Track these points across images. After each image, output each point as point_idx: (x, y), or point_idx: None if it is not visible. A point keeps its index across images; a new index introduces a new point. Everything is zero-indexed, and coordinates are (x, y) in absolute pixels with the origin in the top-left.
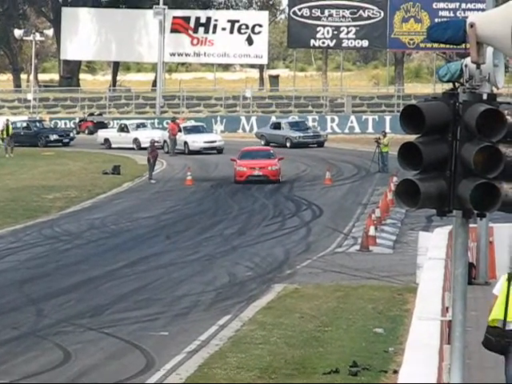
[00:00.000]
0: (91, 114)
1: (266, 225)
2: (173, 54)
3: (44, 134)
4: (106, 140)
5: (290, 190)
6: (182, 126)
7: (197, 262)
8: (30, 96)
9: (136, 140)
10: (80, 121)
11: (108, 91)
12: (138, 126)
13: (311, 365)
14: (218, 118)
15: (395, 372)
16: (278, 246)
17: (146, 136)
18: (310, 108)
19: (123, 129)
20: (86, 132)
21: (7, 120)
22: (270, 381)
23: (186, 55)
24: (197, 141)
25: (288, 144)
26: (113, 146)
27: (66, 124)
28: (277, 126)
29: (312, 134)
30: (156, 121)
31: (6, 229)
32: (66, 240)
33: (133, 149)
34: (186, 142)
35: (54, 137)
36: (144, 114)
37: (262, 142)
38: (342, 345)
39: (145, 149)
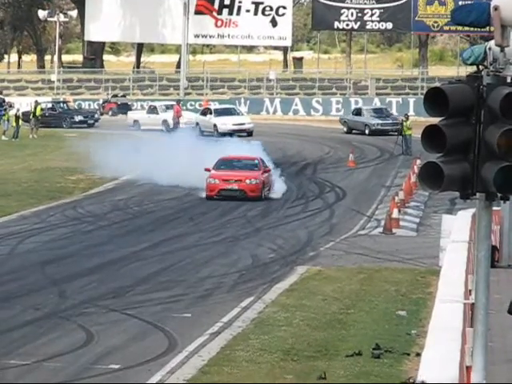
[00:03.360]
0: (115, 96)
1: (289, 207)
2: (197, 36)
3: (69, 115)
4: (136, 121)
5: (314, 172)
6: (212, 108)
7: (220, 243)
8: (53, 77)
9: (165, 122)
10: (104, 102)
11: (132, 73)
12: (168, 108)
13: (334, 347)
14: (242, 100)
15: (418, 355)
16: (301, 228)
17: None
18: (333, 90)
19: (153, 110)
20: (110, 113)
21: (36, 101)
22: (293, 363)
23: (210, 37)
24: (226, 123)
25: (367, 131)
26: (142, 127)
27: (89, 105)
28: (358, 112)
29: (391, 122)
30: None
31: (29, 210)
32: (89, 221)
33: (161, 130)
34: (215, 125)
35: (78, 118)
36: (168, 96)
37: (345, 129)
38: (364, 327)
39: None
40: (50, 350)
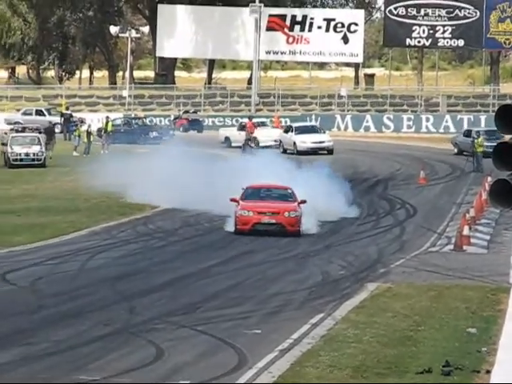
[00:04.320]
0: (186, 112)
1: (360, 223)
2: (268, 52)
3: (144, 131)
4: (227, 138)
5: (385, 188)
6: (294, 125)
7: (290, 260)
8: (125, 93)
9: (255, 139)
10: (175, 118)
11: (203, 89)
12: (258, 125)
13: (404, 364)
14: (313, 117)
15: (488, 372)
16: (372, 245)
17: (264, 135)
18: (405, 107)
19: (243, 127)
20: (181, 130)
21: (107, 117)
22: (362, 380)
23: (282, 53)
24: (305, 141)
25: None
26: (233, 144)
27: (160, 121)
28: (468, 133)
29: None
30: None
31: (100, 225)
32: (159, 237)
33: (251, 147)
34: (294, 142)
35: (153, 134)
36: (239, 112)
37: (455, 150)
38: (434, 344)
39: (264, 147)
40: (120, 365)
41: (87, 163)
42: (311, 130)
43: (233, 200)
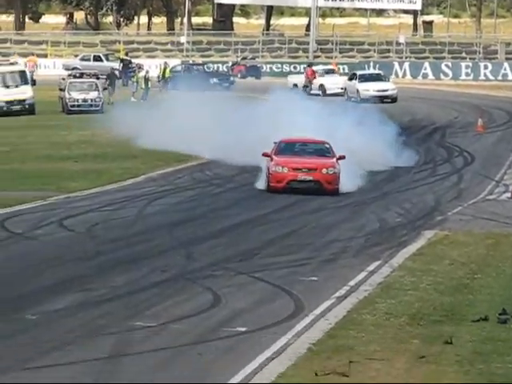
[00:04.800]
0: (244, 58)
1: (417, 171)
2: None
3: (204, 77)
4: (295, 85)
5: (442, 136)
6: (358, 73)
7: (346, 207)
8: (183, 39)
9: (322, 86)
10: (233, 64)
11: (261, 35)
12: (327, 72)
13: (460, 312)
14: (371, 64)
15: None
16: (429, 193)
17: (332, 82)
18: (463, 55)
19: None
20: (239, 76)
21: (165, 63)
22: (419, 327)
23: (340, 0)
24: (368, 89)
25: None
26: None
27: (218, 68)
28: None
29: None
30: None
31: (157, 172)
32: (216, 184)
33: (318, 95)
34: (357, 90)
35: (213, 80)
36: (297, 59)
37: None
38: (491, 292)
39: (331, 95)
40: (176, 312)
41: (144, 109)
42: (375, 77)
43: (265, 155)
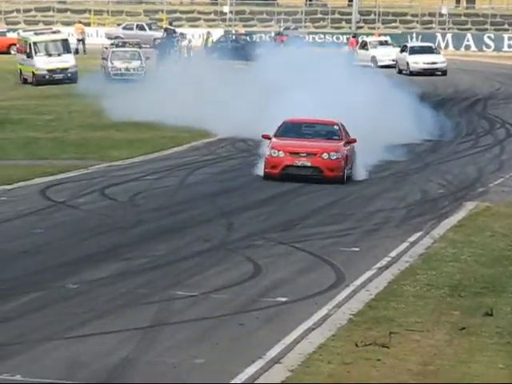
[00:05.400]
0: (287, 28)
1: (459, 142)
2: None
3: (250, 47)
4: None
5: (484, 107)
6: (408, 45)
7: (388, 178)
8: (226, 9)
9: (373, 58)
10: (276, 35)
11: (304, 5)
12: (381, 44)
13: (501, 283)
14: (414, 35)
15: None
16: (471, 164)
17: (383, 54)
18: (505, 26)
19: (364, 46)
20: (282, 46)
21: (208, 32)
22: (460, 299)
23: None
24: (418, 61)
25: None
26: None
27: (261, 38)
28: None
29: None
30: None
31: (200, 141)
32: (258, 153)
33: (370, 66)
34: (407, 63)
35: (260, 50)
36: (340, 30)
37: None
38: None
39: (383, 67)
40: (217, 281)
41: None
42: (426, 50)
43: (265, 137)
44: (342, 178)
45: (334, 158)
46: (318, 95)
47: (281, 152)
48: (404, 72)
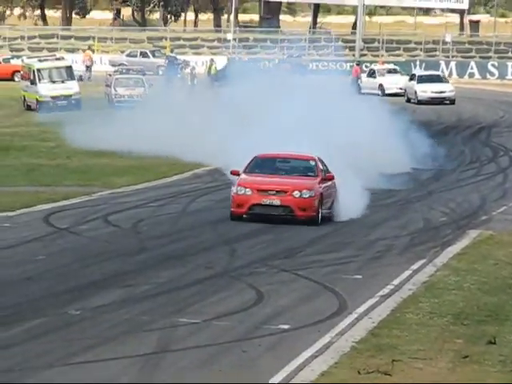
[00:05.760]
0: (290, 56)
1: (462, 170)
2: None
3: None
4: None
5: (488, 136)
6: (417, 74)
7: (391, 206)
8: (229, 36)
9: (381, 86)
10: (279, 62)
11: (308, 33)
12: (389, 72)
13: (504, 312)
14: (418, 62)
15: None
16: (474, 192)
17: (391, 82)
18: (509, 54)
19: (372, 74)
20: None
21: (211, 59)
22: (463, 327)
23: None
24: (426, 90)
25: None
26: (362, 90)
27: (264, 65)
28: None
29: None
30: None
31: (203, 168)
32: None
33: (378, 94)
34: (415, 91)
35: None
36: (343, 57)
37: None
38: None
39: (390, 95)
40: (220, 308)
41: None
42: (434, 79)
43: (233, 173)
44: (316, 219)
45: (307, 196)
46: (312, 124)
47: (248, 189)
48: (412, 101)
